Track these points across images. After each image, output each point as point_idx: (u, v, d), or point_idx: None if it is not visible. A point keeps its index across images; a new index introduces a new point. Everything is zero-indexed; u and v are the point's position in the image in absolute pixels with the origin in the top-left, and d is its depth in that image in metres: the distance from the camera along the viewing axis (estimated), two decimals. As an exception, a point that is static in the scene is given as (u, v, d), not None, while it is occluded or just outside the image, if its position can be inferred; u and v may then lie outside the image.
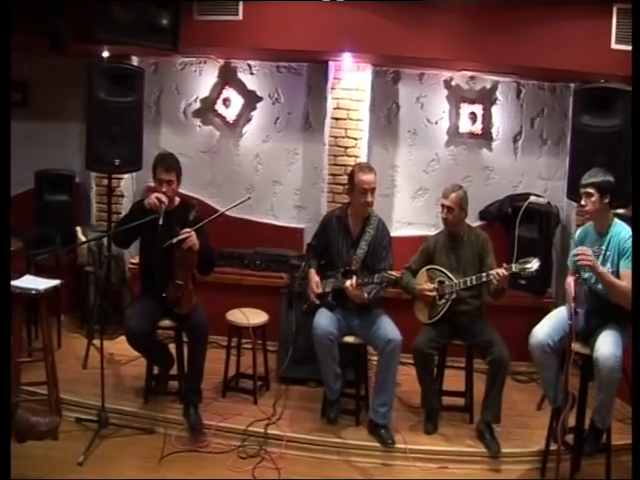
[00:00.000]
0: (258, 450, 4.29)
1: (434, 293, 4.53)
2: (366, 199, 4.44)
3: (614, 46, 5.11)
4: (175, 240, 4.23)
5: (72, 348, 5.54)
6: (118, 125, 5.23)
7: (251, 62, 6.25)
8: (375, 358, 4.69)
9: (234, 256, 5.97)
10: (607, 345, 3.68)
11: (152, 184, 4.62)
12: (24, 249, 5.27)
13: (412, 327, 4.62)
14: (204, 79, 6.34)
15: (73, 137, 6.42)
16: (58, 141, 6.48)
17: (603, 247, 3.85)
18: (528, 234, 5.54)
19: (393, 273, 4.31)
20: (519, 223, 5.51)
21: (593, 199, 3.84)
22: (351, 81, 5.80)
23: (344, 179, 5.25)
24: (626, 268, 3.69)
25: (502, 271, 4.21)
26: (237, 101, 6.28)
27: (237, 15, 5.43)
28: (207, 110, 6.37)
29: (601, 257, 3.84)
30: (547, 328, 4.01)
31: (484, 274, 4.35)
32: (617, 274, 3.73)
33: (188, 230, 4.25)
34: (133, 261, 5.82)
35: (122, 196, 6.27)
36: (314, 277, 4.62)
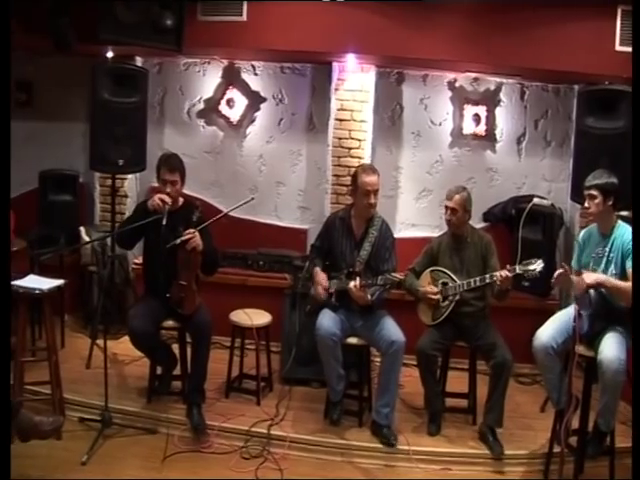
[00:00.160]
0: (261, 451, 4.29)
1: (438, 296, 4.52)
2: (369, 200, 4.44)
3: (618, 48, 5.09)
4: (179, 241, 4.23)
5: (76, 348, 5.55)
6: (122, 125, 5.24)
7: (255, 63, 6.25)
8: (378, 359, 4.69)
9: (237, 257, 5.97)
10: (611, 348, 3.67)
11: (156, 184, 4.63)
12: (28, 249, 5.28)
13: (415, 328, 4.62)
14: (208, 80, 6.35)
15: (77, 137, 6.44)
16: (62, 141, 6.49)
17: (607, 249, 3.85)
18: (532, 236, 5.52)
19: (397, 274, 4.30)
20: (523, 225, 5.49)
21: (597, 201, 3.84)
22: (355, 82, 5.80)
23: (348, 180, 5.25)
24: (631, 269, 3.68)
25: (505, 272, 4.20)
26: (241, 102, 6.29)
27: (241, 16, 5.43)
28: (211, 111, 6.37)
29: (604, 259, 3.84)
30: (551, 330, 4.01)
31: (488, 275, 4.35)
32: (621, 276, 3.72)
33: (192, 230, 4.26)
34: (137, 261, 5.83)
35: (126, 196, 6.28)
36: (320, 273, 4.61)
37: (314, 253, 4.79)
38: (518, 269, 4.17)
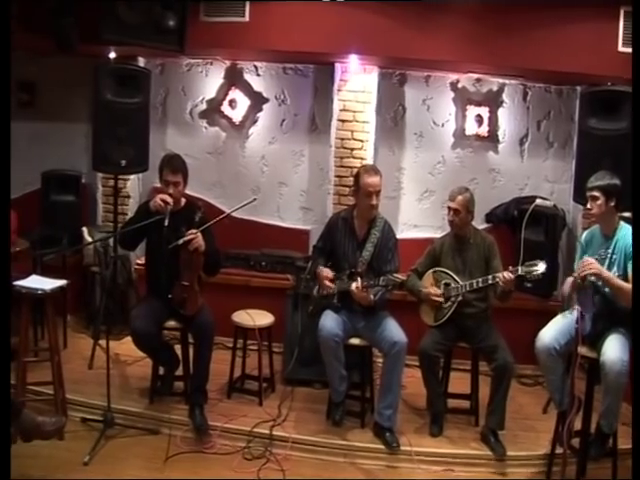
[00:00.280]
0: (263, 451, 4.29)
1: (441, 298, 4.52)
2: (371, 202, 4.43)
3: (621, 49, 5.09)
4: (181, 241, 4.24)
5: (78, 348, 5.55)
6: (124, 126, 5.25)
7: (257, 63, 6.26)
8: (380, 360, 4.69)
9: (240, 257, 5.97)
10: (614, 349, 3.67)
11: (158, 185, 4.62)
12: (30, 249, 5.27)
13: (418, 329, 4.62)
14: (210, 80, 6.35)
15: (79, 137, 6.43)
16: (64, 141, 6.49)
17: (609, 250, 3.84)
18: (534, 237, 5.51)
19: (399, 275, 4.29)
20: (525, 226, 5.48)
21: (599, 202, 3.84)
22: (357, 83, 5.80)
23: (350, 181, 5.25)
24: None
25: (508, 274, 4.20)
26: (243, 102, 6.29)
27: (244, 16, 5.44)
28: (213, 111, 6.37)
29: (607, 260, 3.84)
30: (553, 332, 4.00)
31: (490, 277, 4.35)
32: (624, 277, 3.72)
33: (194, 231, 4.26)
34: (139, 262, 5.83)
35: (128, 197, 6.28)
36: (324, 269, 4.60)
37: (316, 254, 4.79)
38: (521, 270, 4.17)
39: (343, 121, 5.86)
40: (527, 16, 5.18)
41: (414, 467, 4.24)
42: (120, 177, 5.70)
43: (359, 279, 4.36)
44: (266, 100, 6.29)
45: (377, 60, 5.69)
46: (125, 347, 5.37)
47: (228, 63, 6.28)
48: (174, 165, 4.45)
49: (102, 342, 5.07)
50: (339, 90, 5.84)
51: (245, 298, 5.41)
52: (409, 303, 4.87)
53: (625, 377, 3.67)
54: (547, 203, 5.71)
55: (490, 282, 4.34)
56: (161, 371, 4.74)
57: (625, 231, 3.84)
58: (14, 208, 5.24)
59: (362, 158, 5.83)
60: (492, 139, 6.08)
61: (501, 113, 6.06)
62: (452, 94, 6.08)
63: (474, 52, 5.32)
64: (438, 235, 5.05)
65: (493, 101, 6.04)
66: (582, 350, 3.72)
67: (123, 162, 5.21)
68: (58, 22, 4.95)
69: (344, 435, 4.46)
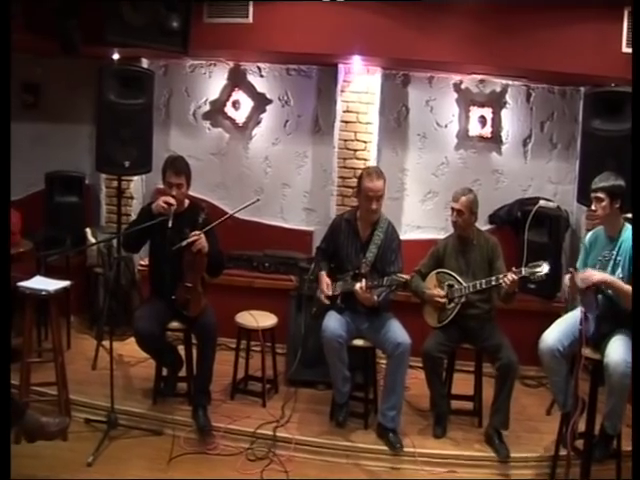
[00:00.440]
0: (267, 452, 4.30)
1: (444, 299, 4.52)
2: (370, 206, 4.42)
3: (625, 50, 5.07)
4: (184, 243, 4.24)
5: (81, 349, 5.56)
6: (128, 127, 5.25)
7: (261, 65, 6.26)
8: (384, 361, 4.68)
9: (243, 258, 5.98)
10: (618, 350, 3.66)
11: (162, 186, 4.63)
12: (34, 250, 5.28)
13: (421, 330, 4.61)
14: (214, 81, 6.36)
15: (83, 139, 6.45)
16: (68, 142, 6.50)
17: (614, 252, 3.84)
18: (538, 238, 5.51)
19: (403, 276, 4.29)
20: (529, 227, 5.49)
21: (603, 204, 3.83)
22: (361, 84, 5.80)
23: (353, 182, 5.24)
24: None
25: (512, 275, 4.19)
26: (247, 104, 6.29)
27: (247, 18, 5.44)
28: (217, 112, 6.38)
29: (611, 262, 3.83)
30: (557, 333, 4.00)
31: (494, 278, 4.35)
32: (628, 279, 3.71)
33: (197, 232, 4.26)
34: (142, 263, 5.84)
35: (132, 198, 6.28)
36: (324, 278, 4.61)
37: (320, 255, 4.79)
38: (524, 272, 4.16)
39: (346, 122, 5.86)
40: (530, 17, 5.17)
41: (417, 468, 4.23)
42: (123, 178, 5.69)
43: (363, 280, 4.35)
44: (269, 101, 6.30)
45: (380, 61, 5.69)
46: (128, 348, 5.37)
47: (231, 64, 6.29)
48: (177, 167, 4.45)
49: (105, 343, 5.08)
50: (342, 91, 5.84)
51: (248, 299, 5.41)
52: (413, 304, 4.86)
53: (629, 378, 3.65)
54: (550, 204, 5.70)
55: (494, 283, 4.33)
56: (164, 372, 4.74)
57: (630, 232, 3.83)
58: (18, 209, 5.28)
59: (365, 159, 5.83)
60: (495, 140, 6.07)
61: (504, 114, 6.05)
62: (455, 95, 6.08)
63: (477, 53, 5.32)
64: (441, 236, 5.04)
65: (496, 102, 6.04)
66: (586, 351, 3.72)
67: (127, 163, 5.21)
68: (62, 24, 4.95)
69: (347, 436, 4.46)
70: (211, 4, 5.47)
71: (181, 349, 4.79)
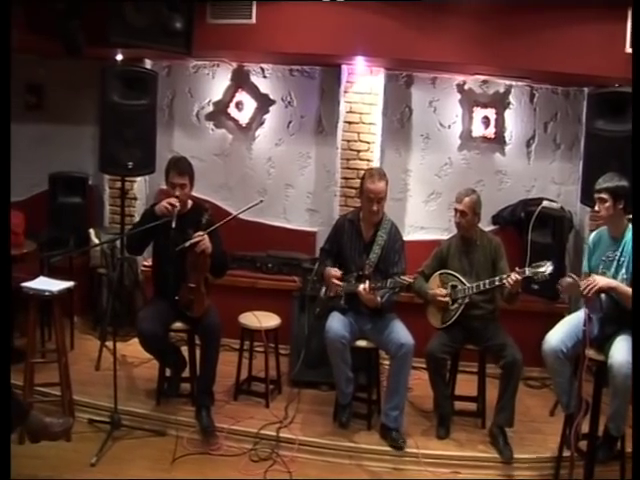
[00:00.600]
0: (270, 453, 4.30)
1: (447, 299, 4.52)
2: (371, 208, 4.42)
3: (629, 50, 5.05)
4: (188, 243, 4.24)
5: (85, 350, 5.56)
6: (131, 128, 5.26)
7: (264, 65, 6.26)
8: (387, 362, 4.68)
9: (246, 259, 5.98)
10: (622, 352, 3.65)
11: (165, 187, 4.63)
12: (38, 251, 5.29)
13: (424, 331, 4.61)
14: (217, 82, 6.36)
15: (87, 139, 6.46)
16: (72, 143, 6.52)
17: (617, 252, 3.83)
18: (541, 239, 5.50)
19: (406, 277, 4.28)
20: (532, 228, 5.48)
21: (607, 205, 3.82)
22: (364, 85, 5.80)
23: (356, 183, 5.24)
24: None
25: (515, 275, 4.19)
26: (250, 104, 6.29)
27: (250, 18, 5.44)
28: (220, 113, 6.38)
29: (615, 263, 3.82)
30: (561, 334, 3.99)
31: (497, 278, 4.34)
32: (632, 280, 3.70)
33: (201, 233, 4.27)
34: (146, 263, 5.84)
35: (135, 199, 6.29)
36: (331, 269, 4.58)
37: (323, 256, 4.79)
38: (528, 271, 4.15)
39: (349, 123, 5.86)
40: (533, 17, 5.16)
41: (421, 469, 4.22)
42: (127, 179, 5.69)
43: (366, 281, 4.35)
44: (273, 102, 6.30)
45: (383, 62, 5.69)
46: (132, 349, 5.38)
47: (235, 65, 6.29)
48: (180, 167, 4.46)
49: (109, 343, 5.09)
50: (345, 92, 5.84)
51: (251, 300, 5.41)
52: (416, 305, 4.86)
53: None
54: (554, 205, 5.69)
55: (497, 283, 4.33)
56: (168, 373, 4.74)
57: (634, 233, 3.83)
58: (21, 210, 5.28)
59: (368, 160, 5.83)
60: (499, 141, 6.07)
61: (508, 115, 6.04)
62: (459, 96, 6.07)
63: (481, 54, 5.31)
64: (445, 237, 5.04)
65: (500, 103, 6.03)
66: (590, 353, 3.70)
67: (130, 164, 5.22)
68: (65, 25, 4.96)
69: (351, 437, 4.46)
70: (214, 5, 5.47)
71: (184, 350, 4.79)
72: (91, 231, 6.11)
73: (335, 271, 4.56)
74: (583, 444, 3.94)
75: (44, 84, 6.56)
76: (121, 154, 5.21)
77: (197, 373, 4.65)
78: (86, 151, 6.45)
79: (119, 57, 5.76)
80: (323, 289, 4.65)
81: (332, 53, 5.49)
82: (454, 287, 4.55)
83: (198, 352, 4.60)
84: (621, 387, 3.66)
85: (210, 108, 6.40)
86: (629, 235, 3.82)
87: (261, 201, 4.50)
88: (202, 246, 4.25)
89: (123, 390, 4.68)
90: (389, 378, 4.45)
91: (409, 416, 4.68)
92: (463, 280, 4.52)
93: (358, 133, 5.85)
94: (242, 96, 6.29)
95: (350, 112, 5.84)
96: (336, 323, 4.42)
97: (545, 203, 5.66)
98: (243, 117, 6.31)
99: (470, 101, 6.05)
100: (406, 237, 4.91)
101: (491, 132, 6.03)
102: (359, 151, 5.86)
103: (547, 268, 4.08)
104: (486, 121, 6.01)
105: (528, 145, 6.07)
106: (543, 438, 4.50)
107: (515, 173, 6.10)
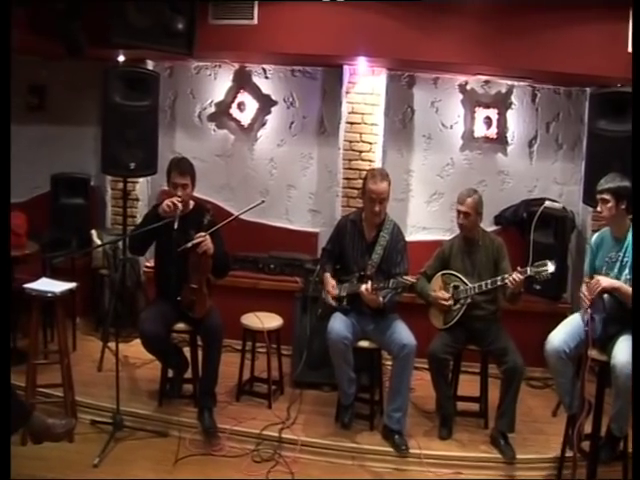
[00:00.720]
0: (272, 454, 4.30)
1: (450, 302, 4.51)
2: (373, 208, 4.42)
3: (631, 50, 5.06)
4: (190, 244, 4.24)
5: (87, 351, 5.57)
6: (133, 129, 5.25)
7: (266, 66, 6.26)
8: (389, 363, 4.67)
9: (248, 260, 5.98)
10: (625, 352, 3.64)
11: (167, 188, 4.63)
12: (40, 252, 5.29)
13: (427, 332, 4.61)
14: (219, 83, 6.36)
15: (89, 140, 6.45)
16: (74, 144, 6.52)
17: (620, 253, 3.82)
18: (543, 239, 5.49)
19: (408, 278, 4.28)
20: (534, 228, 5.47)
21: (609, 205, 3.82)
22: (366, 85, 5.79)
23: (359, 183, 5.24)
24: None
25: (517, 275, 4.18)
26: (252, 105, 6.29)
27: (252, 19, 5.43)
28: (222, 114, 6.38)
29: (618, 263, 3.82)
30: (563, 334, 3.98)
31: (499, 278, 4.34)
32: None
33: (202, 234, 4.27)
34: (148, 264, 5.85)
35: (137, 200, 6.29)
36: (329, 280, 4.61)
37: (325, 257, 4.79)
38: (530, 271, 4.15)
39: (352, 123, 5.85)
40: (535, 17, 5.16)
41: (423, 470, 4.23)
42: (129, 180, 5.69)
43: (368, 282, 4.35)
44: (274, 103, 6.30)
45: (385, 62, 5.68)
46: (134, 350, 5.38)
47: (237, 66, 6.29)
48: (182, 167, 4.46)
49: (111, 344, 5.09)
50: (347, 92, 5.83)
51: (254, 301, 5.41)
52: (418, 306, 4.86)
53: (636, 380, 3.65)
54: (556, 205, 5.68)
55: (499, 283, 4.32)
56: (170, 374, 4.75)
57: (636, 233, 3.82)
58: (23, 211, 5.29)
59: (371, 160, 5.82)
60: (501, 141, 6.06)
61: (510, 115, 6.04)
62: (461, 96, 6.07)
63: (482, 54, 5.30)
64: (447, 237, 5.05)
65: (502, 103, 6.03)
66: (592, 353, 3.70)
67: (132, 165, 5.21)
68: (67, 26, 4.96)
69: (353, 438, 4.45)
70: (216, 5, 5.47)
71: (186, 351, 4.79)
72: (93, 232, 6.11)
73: (333, 287, 4.57)
74: (586, 444, 3.95)
75: (46, 85, 6.56)
76: (123, 155, 5.20)
77: (199, 374, 4.65)
78: (88, 152, 6.44)
79: (121, 58, 5.76)
80: (325, 290, 4.64)
81: (334, 53, 5.49)
82: (456, 287, 4.54)
83: (200, 353, 4.61)
84: (624, 387, 3.64)
85: (212, 109, 6.40)
86: (631, 235, 3.81)
87: (263, 201, 4.48)
88: (204, 247, 4.26)
89: (125, 391, 4.68)
90: (391, 379, 4.45)
91: (411, 417, 4.67)
92: (465, 280, 4.52)
93: (360, 134, 5.84)
94: (244, 97, 6.29)
95: (352, 113, 5.84)
96: (338, 324, 4.41)
97: (547, 203, 5.65)
98: (245, 118, 6.31)
99: (472, 101, 6.05)
100: (408, 237, 4.90)
101: (493, 132, 6.02)
102: (361, 151, 5.86)
103: (549, 267, 4.08)
104: (488, 121, 6.00)
105: (530, 145, 6.07)
106: (545, 438, 4.50)
107: (517, 173, 6.09)
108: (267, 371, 4.91)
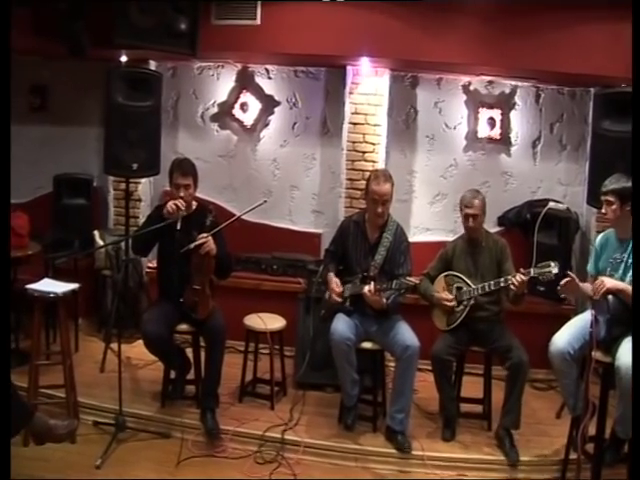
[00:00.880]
0: (275, 456, 4.28)
1: (453, 303, 4.50)
2: (376, 209, 4.41)
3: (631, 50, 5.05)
4: (192, 245, 4.23)
5: (90, 352, 5.56)
6: (136, 129, 5.24)
7: (269, 66, 6.26)
8: (393, 364, 4.66)
9: (251, 261, 5.97)
10: (629, 354, 3.62)
11: (169, 188, 4.62)
12: (42, 252, 5.29)
13: (430, 333, 4.60)
14: (222, 83, 6.36)
15: (91, 141, 6.46)
16: (76, 145, 6.52)
17: (625, 254, 3.81)
18: (547, 240, 5.48)
19: (411, 279, 4.26)
20: (538, 229, 5.45)
21: (614, 207, 3.80)
22: (369, 86, 5.78)
23: (362, 184, 5.23)
24: None
25: (520, 276, 4.17)
26: (255, 106, 6.29)
27: (255, 19, 5.43)
28: (224, 114, 6.38)
29: (623, 265, 3.80)
30: (567, 336, 3.97)
31: (502, 279, 4.32)
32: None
33: (205, 235, 4.26)
34: (151, 265, 5.84)
35: (140, 200, 6.29)
36: (333, 278, 4.60)
37: (328, 258, 4.78)
38: (533, 272, 4.13)
39: (355, 124, 5.85)
40: (539, 17, 5.15)
41: (426, 472, 4.21)
42: (131, 180, 5.69)
43: (371, 283, 4.34)
44: (277, 103, 6.29)
45: (389, 62, 5.68)
46: (136, 350, 5.37)
47: (239, 66, 6.29)
48: (184, 168, 4.45)
49: (114, 345, 5.08)
50: (351, 93, 5.83)
51: (256, 302, 5.41)
52: (421, 307, 4.85)
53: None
54: (560, 206, 5.67)
55: (502, 284, 4.31)
56: (172, 375, 4.74)
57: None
58: (26, 211, 5.28)
59: (374, 161, 5.82)
60: (504, 142, 6.05)
61: (513, 115, 6.03)
62: (464, 97, 6.06)
63: (486, 54, 5.29)
64: (450, 238, 5.02)
65: (505, 103, 6.02)
66: (596, 355, 3.68)
67: (134, 165, 5.21)
68: (70, 26, 4.96)
69: (356, 439, 4.44)
70: (219, 6, 5.47)
71: (189, 352, 4.79)
72: (96, 233, 6.11)
73: (337, 284, 4.55)
74: (590, 447, 3.91)
75: (48, 85, 6.56)
76: (126, 155, 5.20)
77: (202, 375, 4.64)
78: (90, 152, 6.45)
79: (123, 58, 5.76)
80: (328, 291, 4.63)
81: (337, 54, 5.48)
82: (459, 289, 4.53)
83: (203, 354, 4.60)
84: (628, 389, 3.62)
85: (215, 109, 6.40)
86: (637, 236, 3.80)
87: (265, 201, 4.46)
88: (207, 248, 4.24)
89: (128, 392, 4.66)
90: (394, 380, 4.43)
91: (415, 418, 4.66)
92: (468, 282, 4.51)
93: (363, 134, 5.84)
94: (247, 97, 6.29)
95: (355, 113, 5.83)
96: (341, 325, 4.40)
97: (551, 204, 5.64)
98: (248, 118, 6.31)
99: (476, 102, 6.04)
100: (411, 238, 4.89)
101: (497, 133, 6.01)
102: (364, 152, 5.85)
103: (553, 268, 4.06)
104: (492, 122, 6.00)
105: (534, 146, 6.06)
106: (549, 440, 4.48)
107: (521, 174, 6.08)
108: (270, 372, 4.90)
